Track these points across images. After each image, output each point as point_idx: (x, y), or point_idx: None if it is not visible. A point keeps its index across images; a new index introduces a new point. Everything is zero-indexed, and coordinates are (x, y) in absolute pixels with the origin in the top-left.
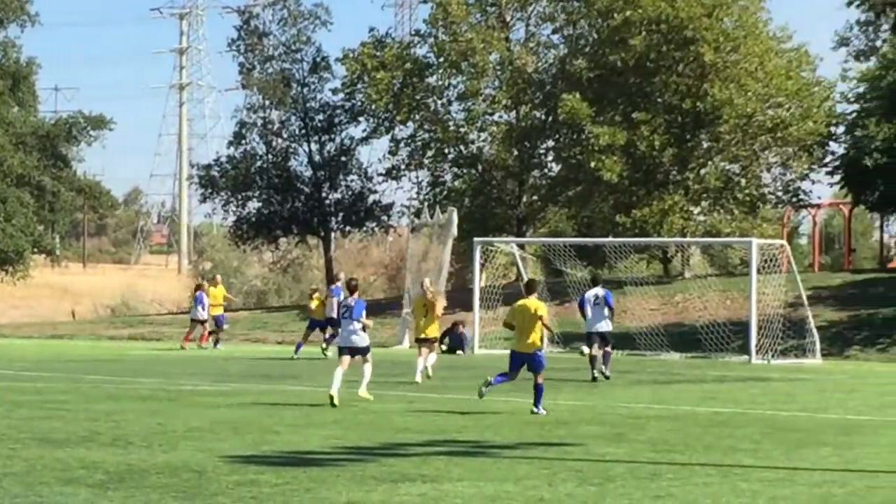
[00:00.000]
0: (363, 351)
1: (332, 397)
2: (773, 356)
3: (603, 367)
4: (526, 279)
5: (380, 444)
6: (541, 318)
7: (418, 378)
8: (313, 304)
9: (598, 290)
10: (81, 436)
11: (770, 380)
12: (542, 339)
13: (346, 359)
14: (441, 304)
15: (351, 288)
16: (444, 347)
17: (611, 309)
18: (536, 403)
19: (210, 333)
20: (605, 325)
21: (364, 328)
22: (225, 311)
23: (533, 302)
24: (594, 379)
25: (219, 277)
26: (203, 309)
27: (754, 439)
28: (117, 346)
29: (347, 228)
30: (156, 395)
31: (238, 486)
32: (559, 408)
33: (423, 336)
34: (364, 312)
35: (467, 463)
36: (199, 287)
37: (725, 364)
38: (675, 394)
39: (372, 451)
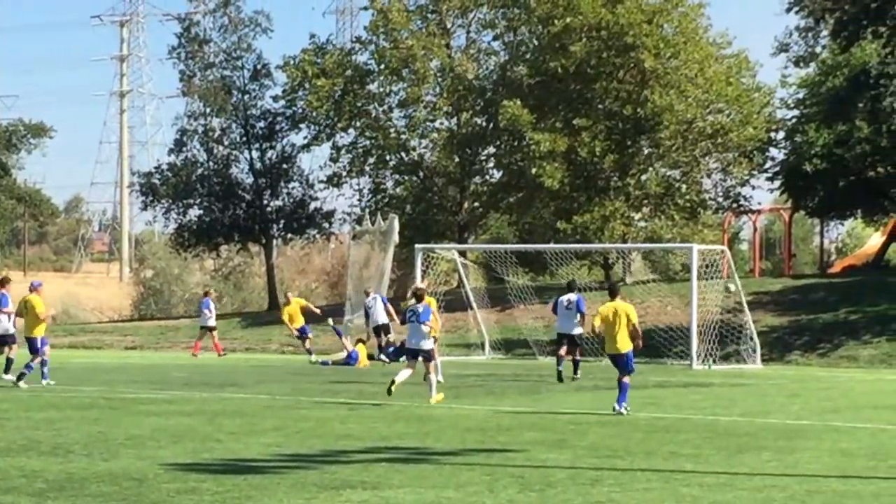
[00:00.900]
0: (427, 354)
1: (393, 382)
2: (714, 361)
3: (573, 369)
4: (610, 283)
5: (321, 451)
6: (630, 319)
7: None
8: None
9: (572, 296)
10: (21, 444)
11: (711, 385)
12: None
13: (414, 361)
14: None
15: (418, 295)
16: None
17: (581, 314)
18: (620, 401)
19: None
20: (575, 329)
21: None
22: (308, 321)
23: (622, 304)
24: (560, 379)
25: (290, 295)
26: (210, 315)
27: (695, 444)
28: (58, 354)
29: (289, 236)
30: (96, 404)
31: (179, 493)
32: (501, 414)
33: None
34: (431, 317)
35: (409, 470)
36: (206, 293)
37: (667, 369)
38: (614, 400)
39: (313, 459)
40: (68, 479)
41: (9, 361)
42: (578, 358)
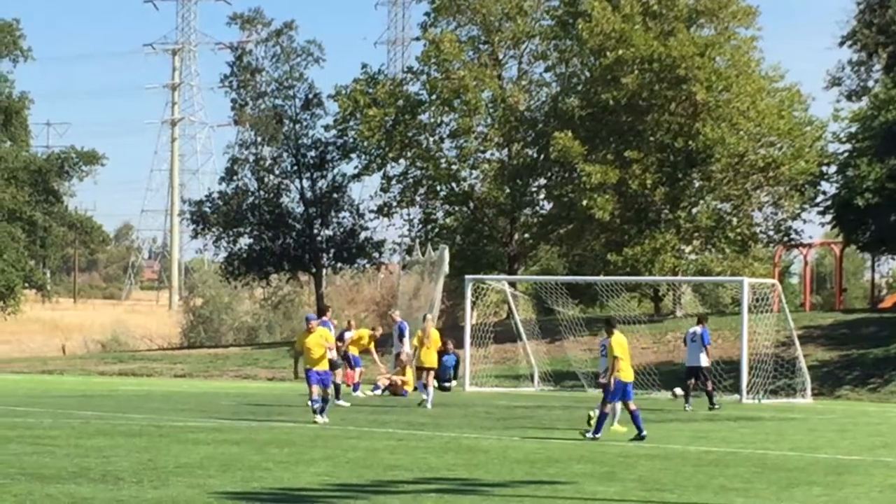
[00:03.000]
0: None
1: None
2: (763, 395)
3: (708, 401)
4: (608, 317)
5: (370, 481)
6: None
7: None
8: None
9: (698, 329)
10: (71, 471)
11: (761, 419)
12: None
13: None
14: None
15: (608, 325)
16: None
17: (705, 346)
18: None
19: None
20: (701, 361)
21: None
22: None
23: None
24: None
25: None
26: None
27: (745, 478)
28: (108, 382)
29: (339, 265)
30: (146, 431)
31: None
32: (550, 446)
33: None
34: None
35: (458, 501)
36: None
37: (717, 402)
38: (666, 432)
39: (362, 489)
40: None
41: (336, 387)
42: (710, 389)
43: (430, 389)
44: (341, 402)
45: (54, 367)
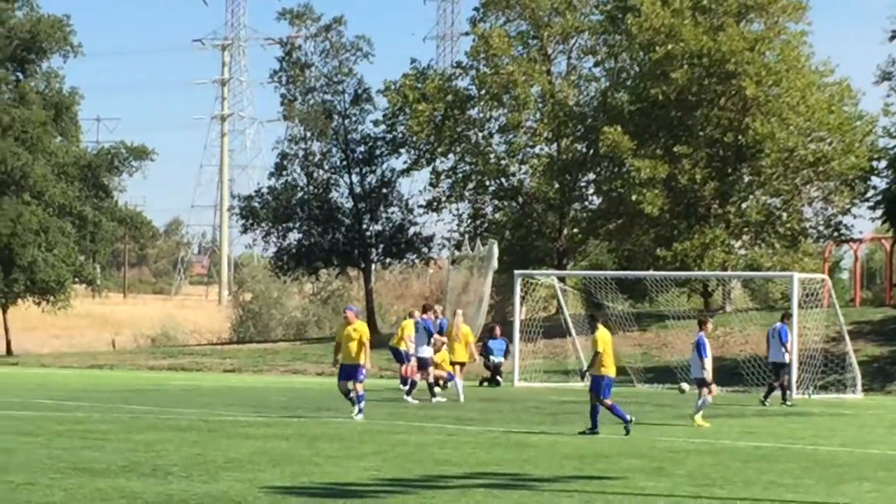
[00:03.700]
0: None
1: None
2: (813, 391)
3: (781, 396)
4: (590, 313)
5: (419, 476)
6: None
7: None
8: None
9: (777, 325)
10: (121, 465)
11: (811, 414)
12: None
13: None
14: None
15: (701, 323)
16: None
17: (783, 343)
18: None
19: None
20: (780, 358)
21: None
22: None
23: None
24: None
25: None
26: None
27: (795, 474)
28: (157, 377)
29: (388, 260)
30: (196, 426)
31: None
32: (599, 441)
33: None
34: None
35: (507, 496)
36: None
37: (768, 401)
38: (715, 428)
39: (412, 484)
40: (168, 501)
41: (412, 383)
42: (786, 385)
43: (460, 382)
44: (409, 399)
45: (104, 361)
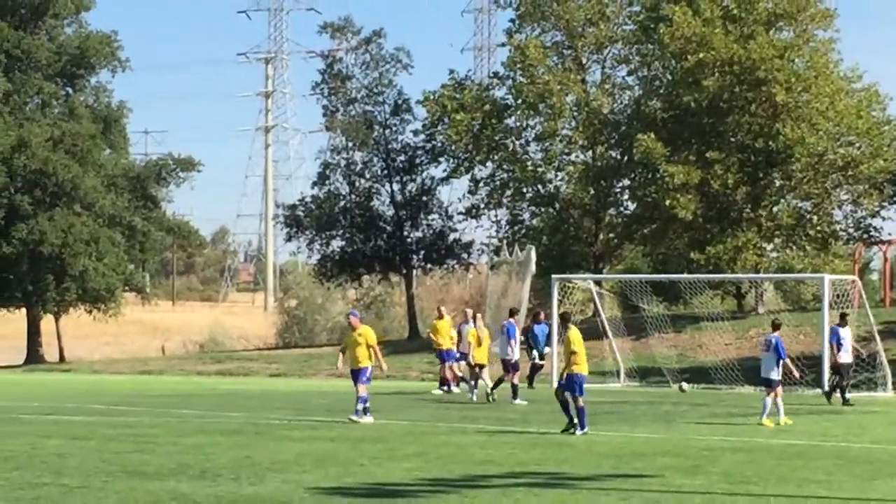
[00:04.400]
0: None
1: (764, 425)
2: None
3: (840, 396)
4: (563, 312)
5: (461, 476)
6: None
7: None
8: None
9: (834, 327)
10: (171, 468)
11: (842, 412)
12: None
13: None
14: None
15: (775, 326)
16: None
17: (831, 343)
18: (574, 422)
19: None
20: (843, 358)
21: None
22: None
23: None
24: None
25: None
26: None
27: (827, 471)
28: (206, 382)
29: (428, 266)
30: (243, 429)
31: None
32: (636, 440)
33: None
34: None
35: (546, 494)
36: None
37: (798, 397)
38: (749, 427)
39: (453, 483)
40: (217, 503)
41: (514, 387)
42: (845, 384)
43: (486, 381)
44: (518, 401)
45: (154, 367)
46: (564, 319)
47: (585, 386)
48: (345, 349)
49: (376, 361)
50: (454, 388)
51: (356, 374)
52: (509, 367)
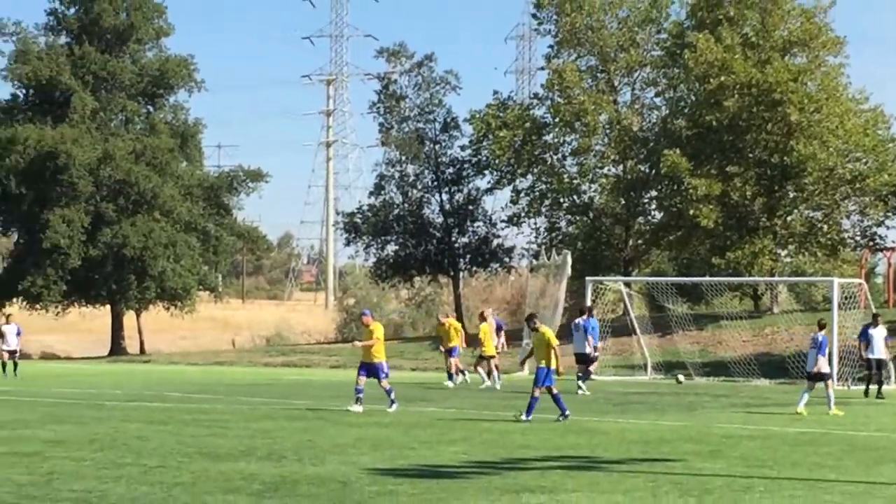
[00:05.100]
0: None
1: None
2: (852, 383)
3: (877, 390)
4: (530, 313)
5: (503, 459)
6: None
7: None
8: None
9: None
10: (241, 451)
11: (850, 403)
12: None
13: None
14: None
15: (821, 325)
16: None
17: (860, 341)
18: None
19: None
20: (876, 354)
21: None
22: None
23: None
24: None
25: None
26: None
27: (836, 456)
28: (272, 372)
29: (474, 269)
30: (306, 416)
31: (378, 496)
32: (662, 427)
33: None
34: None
35: (581, 476)
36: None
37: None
38: (765, 416)
39: (496, 466)
40: (282, 482)
41: (586, 374)
42: (883, 380)
43: (496, 374)
44: (582, 390)
45: (225, 359)
46: (532, 319)
47: (617, 379)
48: (357, 340)
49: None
50: (460, 379)
51: (370, 369)
52: (586, 360)
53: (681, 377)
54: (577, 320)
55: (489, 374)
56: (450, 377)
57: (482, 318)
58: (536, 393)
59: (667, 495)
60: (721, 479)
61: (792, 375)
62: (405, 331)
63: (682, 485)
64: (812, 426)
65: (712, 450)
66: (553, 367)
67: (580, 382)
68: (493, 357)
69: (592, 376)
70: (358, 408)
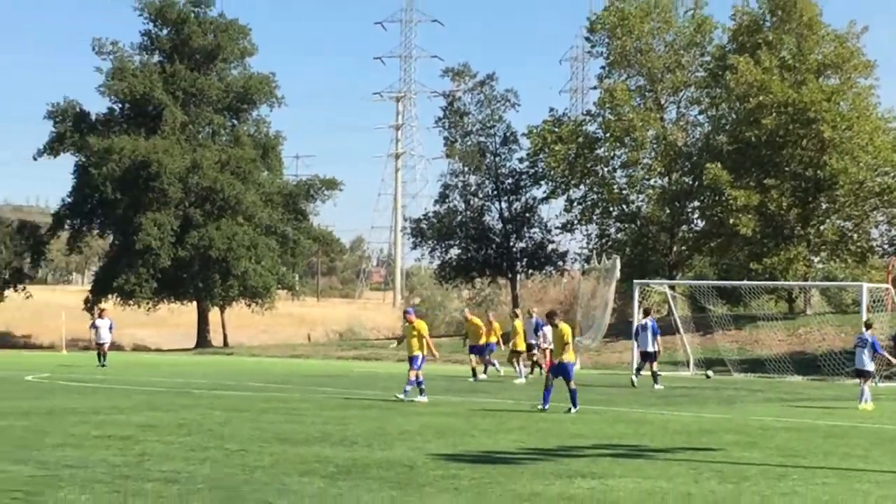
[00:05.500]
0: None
1: (862, 409)
2: (880, 380)
3: None
4: (550, 311)
5: (556, 446)
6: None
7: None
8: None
9: None
10: (316, 436)
11: (878, 399)
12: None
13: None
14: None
15: (868, 325)
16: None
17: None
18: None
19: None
20: None
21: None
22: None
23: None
24: None
25: (468, 313)
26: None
27: (865, 448)
28: (344, 365)
29: (530, 271)
30: (375, 405)
31: (442, 479)
32: (703, 419)
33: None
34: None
35: (628, 463)
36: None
37: (840, 386)
38: (798, 409)
39: (550, 452)
40: (353, 465)
41: (654, 375)
42: None
43: (522, 368)
44: (658, 386)
45: (301, 352)
46: (552, 317)
47: (661, 374)
48: (402, 339)
49: (428, 351)
50: (486, 373)
51: (411, 361)
52: (651, 357)
53: (709, 373)
54: (643, 321)
55: (528, 366)
56: (475, 372)
57: (514, 315)
58: (572, 385)
59: (707, 481)
60: (757, 467)
61: (823, 372)
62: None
63: (721, 472)
64: (843, 420)
65: (750, 440)
66: (569, 360)
67: (655, 380)
68: (522, 353)
69: (643, 372)
70: (423, 397)
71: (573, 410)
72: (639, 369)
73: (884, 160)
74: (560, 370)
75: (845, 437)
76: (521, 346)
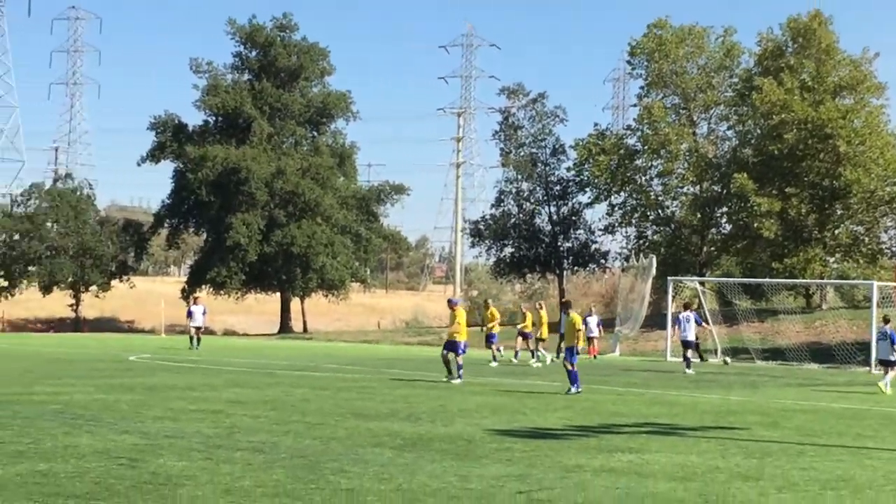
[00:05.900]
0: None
1: (881, 390)
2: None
3: None
4: (564, 300)
5: (598, 424)
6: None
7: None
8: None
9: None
10: (385, 413)
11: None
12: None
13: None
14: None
15: (886, 320)
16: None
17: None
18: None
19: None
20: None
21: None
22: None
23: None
24: None
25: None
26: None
27: (875, 428)
28: (410, 349)
29: (575, 268)
30: (438, 385)
31: (497, 451)
32: (730, 401)
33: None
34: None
35: (663, 440)
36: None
37: (852, 373)
38: (815, 393)
39: (592, 429)
40: (419, 439)
41: (687, 360)
42: None
43: (543, 353)
44: (689, 371)
45: (372, 338)
46: (566, 306)
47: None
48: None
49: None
50: (494, 363)
51: (452, 345)
52: (690, 345)
53: (727, 359)
54: (684, 313)
55: (552, 352)
56: (494, 358)
57: (539, 307)
58: (574, 367)
59: (733, 456)
60: (778, 444)
61: (837, 361)
62: (518, 318)
63: (746, 448)
64: (855, 403)
65: (772, 421)
66: (578, 345)
67: (688, 366)
68: (543, 340)
69: (692, 358)
70: (458, 380)
71: (572, 391)
72: (691, 359)
73: (893, 172)
74: (567, 353)
75: (858, 418)
76: (544, 335)
